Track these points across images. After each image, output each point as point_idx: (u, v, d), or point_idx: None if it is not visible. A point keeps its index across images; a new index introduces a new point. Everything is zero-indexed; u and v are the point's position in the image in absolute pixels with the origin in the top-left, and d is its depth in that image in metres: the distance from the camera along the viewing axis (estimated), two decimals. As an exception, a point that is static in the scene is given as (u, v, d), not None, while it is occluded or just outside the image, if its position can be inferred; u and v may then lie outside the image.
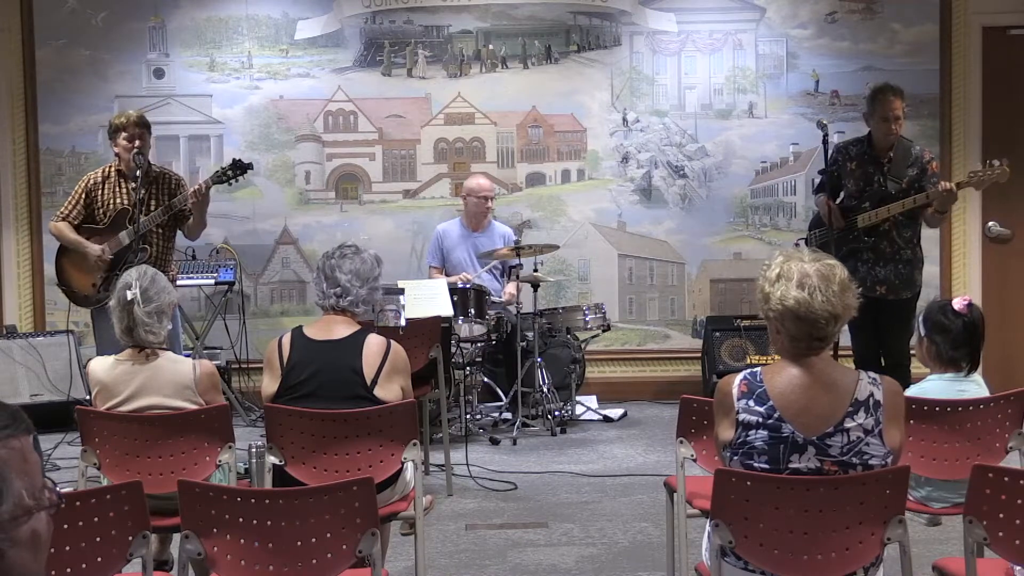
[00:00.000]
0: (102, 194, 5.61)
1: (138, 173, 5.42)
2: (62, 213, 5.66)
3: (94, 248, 5.54)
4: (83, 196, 5.62)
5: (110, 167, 5.67)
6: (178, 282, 6.10)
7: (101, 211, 5.60)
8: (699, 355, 7.51)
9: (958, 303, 3.82)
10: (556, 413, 6.70)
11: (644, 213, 7.72)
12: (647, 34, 7.67)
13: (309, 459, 3.58)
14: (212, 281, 7.17)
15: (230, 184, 5.78)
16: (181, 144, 7.59)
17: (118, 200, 5.59)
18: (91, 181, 5.65)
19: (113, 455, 3.61)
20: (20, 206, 7.56)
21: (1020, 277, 7.62)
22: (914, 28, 7.60)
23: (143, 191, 5.49)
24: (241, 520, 2.74)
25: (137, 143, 5.50)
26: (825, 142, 5.57)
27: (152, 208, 5.53)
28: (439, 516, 4.98)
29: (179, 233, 5.75)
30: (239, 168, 5.61)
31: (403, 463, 3.63)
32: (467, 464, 5.65)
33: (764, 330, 6.78)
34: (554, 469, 5.78)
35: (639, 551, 4.49)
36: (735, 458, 2.73)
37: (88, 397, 3.98)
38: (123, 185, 5.60)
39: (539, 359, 6.66)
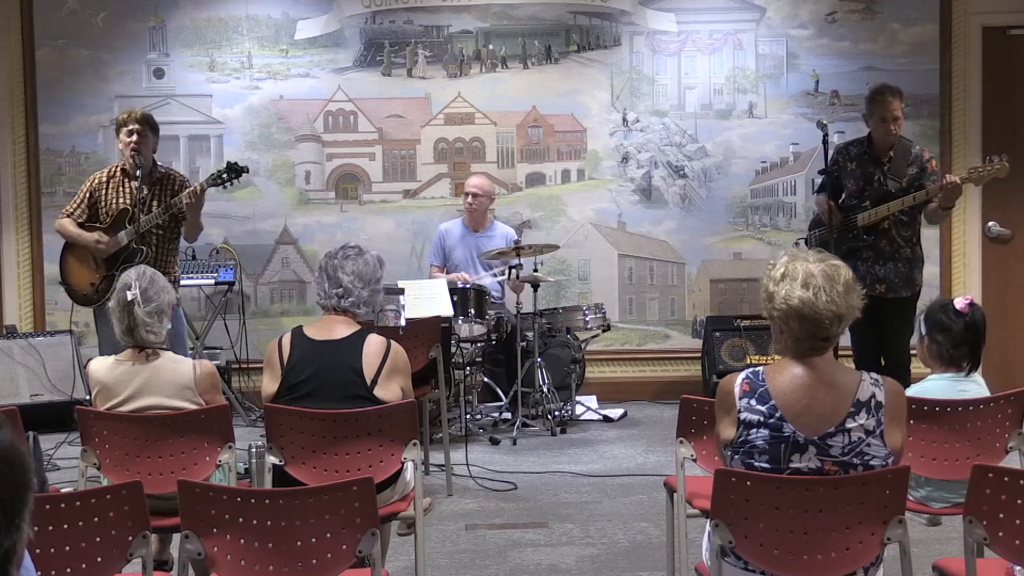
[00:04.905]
0: (106, 194, 5.60)
1: (139, 173, 5.42)
2: (67, 211, 5.67)
3: (91, 236, 5.54)
4: (87, 196, 5.62)
5: (115, 167, 5.66)
6: (180, 283, 6.08)
7: (104, 211, 5.59)
8: (699, 355, 7.51)
9: (960, 302, 3.81)
10: (556, 413, 6.69)
11: (644, 213, 7.72)
12: (647, 34, 7.67)
13: (309, 459, 3.58)
14: (212, 281, 7.17)
15: (225, 187, 5.76)
16: (181, 144, 7.58)
17: (120, 200, 5.58)
18: (96, 181, 5.64)
19: (113, 455, 3.61)
20: (20, 206, 7.56)
21: (1020, 277, 7.62)
22: (914, 28, 7.60)
23: (146, 190, 5.49)
24: (241, 520, 2.74)
25: (135, 138, 5.46)
26: (825, 142, 5.57)
27: (153, 208, 5.53)
28: (439, 516, 4.98)
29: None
30: (234, 171, 5.59)
31: (403, 463, 3.63)
32: (467, 464, 5.65)
33: (764, 330, 6.81)
34: (554, 469, 5.78)
35: (639, 551, 4.49)
36: (736, 457, 2.73)
37: (88, 397, 3.98)
38: (126, 185, 5.59)
39: (539, 359, 6.65)
